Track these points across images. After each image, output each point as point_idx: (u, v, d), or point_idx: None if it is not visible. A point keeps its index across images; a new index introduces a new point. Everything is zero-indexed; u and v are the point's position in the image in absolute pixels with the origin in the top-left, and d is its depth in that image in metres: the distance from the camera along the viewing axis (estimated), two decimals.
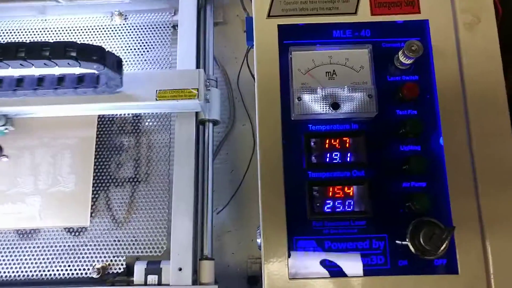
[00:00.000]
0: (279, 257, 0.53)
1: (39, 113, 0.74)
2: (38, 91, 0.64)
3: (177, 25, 0.82)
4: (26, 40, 0.83)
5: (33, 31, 0.85)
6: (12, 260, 0.72)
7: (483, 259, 0.52)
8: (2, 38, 0.85)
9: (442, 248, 0.49)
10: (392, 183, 0.55)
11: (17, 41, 0.84)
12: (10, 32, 0.86)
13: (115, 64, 0.62)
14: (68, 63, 0.57)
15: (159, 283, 0.68)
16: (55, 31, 0.85)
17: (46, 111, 0.73)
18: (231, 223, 0.83)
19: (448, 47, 0.58)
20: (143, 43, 0.83)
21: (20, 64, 0.57)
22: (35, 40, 0.84)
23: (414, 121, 0.56)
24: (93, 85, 0.64)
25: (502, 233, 0.53)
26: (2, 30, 0.86)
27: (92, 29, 0.85)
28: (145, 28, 0.84)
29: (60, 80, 0.64)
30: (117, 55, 0.81)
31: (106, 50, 0.60)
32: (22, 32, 0.85)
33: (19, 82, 0.65)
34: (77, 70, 0.62)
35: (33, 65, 0.58)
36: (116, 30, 0.84)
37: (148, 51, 0.83)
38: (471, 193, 0.54)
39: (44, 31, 0.85)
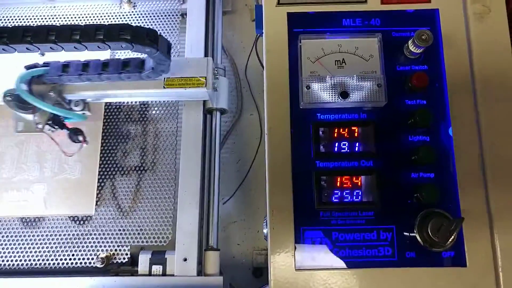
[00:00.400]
0: (285, 248, 0.53)
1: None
2: (83, 76, 0.65)
3: (185, 14, 0.82)
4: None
5: (42, 18, 0.85)
6: (16, 248, 0.71)
7: (492, 252, 0.52)
8: (10, 25, 0.85)
9: (450, 240, 0.48)
10: (400, 173, 0.55)
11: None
12: (20, 19, 0.86)
13: (166, 48, 0.61)
14: (122, 46, 0.57)
15: (164, 274, 0.68)
16: (64, 18, 0.85)
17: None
18: (237, 214, 0.83)
19: (458, 37, 0.58)
20: None
21: (74, 47, 0.57)
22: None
23: (423, 111, 0.55)
24: (138, 70, 0.64)
25: (510, 225, 0.52)
26: (11, 16, 0.86)
27: (101, 16, 0.84)
28: (154, 16, 0.84)
29: (105, 65, 0.64)
30: None
31: (159, 33, 0.59)
32: (31, 18, 0.85)
33: (84, 66, 0.65)
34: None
35: (86, 48, 0.57)
36: (124, 18, 0.84)
37: None
38: (480, 184, 0.54)
39: (53, 18, 0.85)
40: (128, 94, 0.72)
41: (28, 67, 0.66)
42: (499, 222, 0.52)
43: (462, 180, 0.54)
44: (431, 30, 0.57)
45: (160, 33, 0.81)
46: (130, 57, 0.65)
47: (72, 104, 0.71)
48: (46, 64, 0.66)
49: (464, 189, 0.54)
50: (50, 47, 0.57)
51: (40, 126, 0.69)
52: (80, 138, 0.72)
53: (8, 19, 0.86)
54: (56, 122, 0.69)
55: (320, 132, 0.56)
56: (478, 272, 0.51)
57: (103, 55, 0.65)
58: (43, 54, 0.63)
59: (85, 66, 0.65)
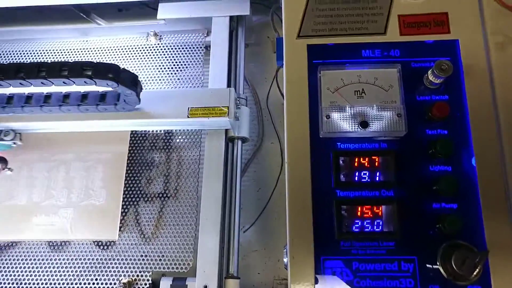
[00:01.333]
0: (306, 277, 0.53)
1: (68, 128, 0.78)
2: (62, 107, 0.69)
3: (209, 46, 0.85)
4: (69, 60, 0.89)
5: (75, 51, 0.90)
6: (43, 271, 0.73)
7: None
8: (46, 58, 0.90)
9: (475, 273, 0.47)
10: (421, 203, 0.54)
11: (60, 60, 0.89)
12: (54, 52, 0.91)
13: (130, 80, 0.64)
14: (85, 82, 0.61)
15: None
16: (96, 51, 0.90)
17: (75, 127, 0.77)
18: (257, 242, 0.83)
19: (479, 67, 0.58)
20: (176, 62, 0.87)
21: (41, 83, 0.61)
22: (78, 60, 0.89)
23: (444, 141, 0.55)
24: (114, 102, 0.67)
25: None
26: (46, 50, 0.91)
27: (129, 48, 0.89)
28: (179, 48, 0.88)
29: (84, 97, 0.68)
30: (151, 73, 0.86)
31: (121, 68, 0.63)
32: (65, 52, 0.91)
33: (47, 98, 0.69)
34: (101, 89, 0.66)
35: (53, 83, 0.62)
36: (151, 50, 0.88)
37: (181, 70, 0.86)
38: (505, 215, 0.52)
39: (85, 51, 0.90)
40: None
41: None
42: None
43: (487, 211, 0.53)
44: (451, 60, 0.57)
45: (185, 64, 0.86)
46: (107, 90, 0.68)
47: (2, 134, 0.75)
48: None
49: (489, 220, 0.52)
50: (20, 83, 0.62)
51: None
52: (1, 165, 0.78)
53: (43, 53, 0.91)
54: None
55: (341, 161, 0.56)
56: None
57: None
58: None
59: (65, 97, 0.68)
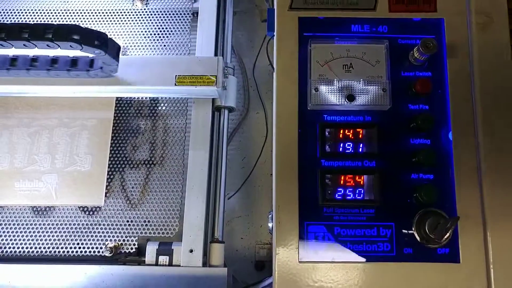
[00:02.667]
0: (290, 241, 0.56)
1: (36, 93, 0.76)
2: (31, 71, 0.67)
3: (197, 12, 0.83)
4: (47, 21, 0.86)
5: (54, 12, 0.87)
6: (27, 236, 0.73)
7: (484, 249, 0.55)
8: (25, 18, 0.87)
9: (445, 237, 0.51)
10: (401, 174, 0.58)
11: (39, 21, 0.86)
12: (32, 12, 0.87)
13: (115, 51, 0.63)
14: (71, 46, 0.59)
15: (170, 264, 0.70)
16: (76, 13, 0.86)
17: (60, 92, 0.75)
18: (241, 209, 0.86)
19: (461, 46, 0.60)
20: (163, 28, 0.85)
21: (24, 45, 0.59)
22: (57, 22, 0.85)
23: (425, 116, 0.58)
24: (86, 68, 0.66)
25: (502, 225, 0.55)
26: (25, 10, 0.87)
27: (113, 12, 0.86)
28: (166, 14, 0.86)
29: (53, 61, 0.66)
30: (136, 39, 0.84)
31: (108, 36, 0.62)
32: (43, 12, 0.87)
33: (13, 61, 0.67)
34: (71, 53, 0.64)
35: (36, 46, 0.59)
36: (136, 14, 0.86)
37: (167, 36, 0.84)
38: (475, 186, 0.57)
39: (65, 13, 0.86)
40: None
41: None
42: (491, 222, 0.55)
43: (459, 182, 0.57)
44: (436, 38, 0.59)
45: (172, 31, 0.85)
46: (79, 55, 0.67)
47: None
48: None
49: (460, 190, 0.57)
50: (0, 44, 0.59)
51: None
52: None
53: (19, 12, 0.87)
54: None
55: (327, 133, 0.58)
56: (471, 268, 0.54)
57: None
58: None
59: (33, 60, 0.66)
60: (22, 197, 0.75)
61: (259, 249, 0.83)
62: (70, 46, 0.59)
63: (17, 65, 0.66)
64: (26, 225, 0.74)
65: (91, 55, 0.64)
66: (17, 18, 0.87)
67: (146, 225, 0.74)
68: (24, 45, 0.59)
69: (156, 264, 0.70)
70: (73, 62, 0.66)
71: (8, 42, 0.59)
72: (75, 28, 0.58)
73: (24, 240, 0.73)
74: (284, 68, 0.60)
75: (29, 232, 0.74)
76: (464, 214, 0.56)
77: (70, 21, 0.86)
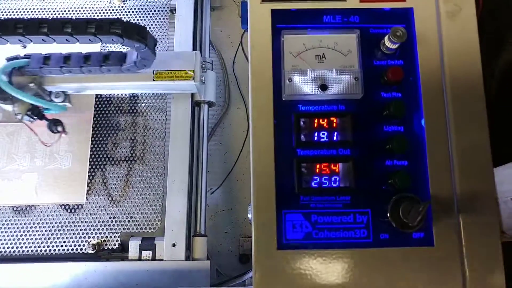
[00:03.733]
0: (268, 229, 0.57)
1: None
2: (63, 68, 0.67)
3: (174, 9, 0.84)
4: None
5: (31, 11, 0.87)
6: (8, 236, 0.74)
7: (456, 232, 0.56)
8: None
9: (418, 220, 0.52)
10: (375, 161, 0.59)
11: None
12: (8, 12, 0.87)
13: (153, 45, 0.63)
14: (113, 40, 0.58)
15: (153, 259, 0.70)
16: (53, 11, 0.86)
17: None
18: (224, 203, 0.86)
19: (431, 34, 0.62)
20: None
21: (66, 40, 0.59)
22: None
23: (397, 103, 0.59)
24: (119, 63, 0.66)
25: (473, 208, 0.56)
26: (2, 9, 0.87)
27: (91, 10, 0.86)
28: (143, 11, 0.87)
29: (86, 58, 0.66)
30: None
31: (148, 30, 0.61)
32: (20, 12, 0.87)
33: (46, 60, 0.67)
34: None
35: (78, 40, 0.59)
36: (114, 12, 0.86)
37: None
38: (447, 172, 0.58)
39: (42, 11, 0.86)
40: (111, 86, 0.74)
41: (9, 59, 0.68)
42: (463, 206, 0.57)
43: (432, 168, 0.58)
44: (406, 27, 0.60)
45: (150, 28, 0.85)
46: (111, 51, 0.67)
47: (53, 96, 0.73)
48: (27, 56, 0.68)
49: (433, 175, 0.58)
50: (42, 39, 0.59)
51: (19, 116, 0.70)
52: (59, 128, 0.75)
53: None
54: (36, 113, 0.72)
55: (301, 123, 0.59)
56: (444, 251, 0.56)
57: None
58: (25, 46, 0.64)
59: (66, 58, 0.66)
60: (1, 197, 0.75)
61: (243, 242, 0.84)
62: (112, 39, 0.59)
63: (50, 64, 0.66)
64: (6, 225, 0.74)
65: (129, 49, 0.63)
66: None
67: (129, 221, 0.75)
68: (66, 40, 0.59)
69: (139, 259, 0.71)
70: (106, 58, 0.66)
71: (50, 37, 0.58)
72: (117, 22, 0.58)
73: (5, 240, 0.73)
74: (258, 60, 0.60)
75: (10, 232, 0.74)
76: (437, 198, 0.57)
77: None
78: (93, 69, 0.66)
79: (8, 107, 0.70)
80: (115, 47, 0.81)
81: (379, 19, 0.62)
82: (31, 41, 0.59)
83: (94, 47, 0.74)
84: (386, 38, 0.59)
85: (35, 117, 0.72)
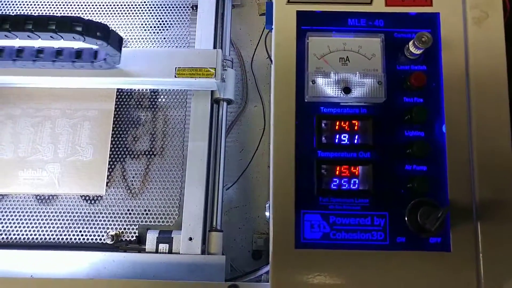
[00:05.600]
0: (286, 228, 0.57)
1: (41, 84, 0.77)
2: (36, 62, 0.68)
3: (196, 6, 0.85)
4: (44, 13, 0.86)
5: (55, 5, 0.87)
6: (31, 223, 0.75)
7: (474, 238, 0.57)
8: (27, 11, 0.87)
9: (436, 226, 0.53)
10: (395, 165, 0.59)
11: (36, 13, 0.87)
12: (33, 5, 0.87)
13: (117, 42, 0.65)
14: (74, 37, 0.60)
15: (170, 252, 0.71)
16: (77, 5, 0.87)
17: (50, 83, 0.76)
18: (238, 200, 0.87)
19: (456, 40, 0.61)
20: (162, 21, 0.86)
21: (28, 36, 0.60)
22: (55, 14, 0.86)
23: (419, 109, 0.59)
24: (91, 59, 0.67)
25: (491, 216, 0.57)
26: (26, 2, 0.88)
27: (113, 5, 0.87)
28: (165, 7, 0.87)
29: (58, 53, 0.67)
30: (136, 32, 0.85)
31: (110, 28, 0.63)
32: (43, 5, 0.87)
33: (19, 52, 0.68)
34: (75, 45, 0.65)
35: (39, 37, 0.60)
36: (136, 8, 0.87)
37: (167, 29, 0.85)
38: (467, 178, 0.58)
39: (65, 5, 0.87)
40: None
41: None
42: (482, 213, 0.57)
43: (452, 174, 0.58)
44: (431, 32, 0.60)
45: (171, 24, 0.86)
46: (83, 47, 0.68)
47: None
48: None
49: (453, 181, 0.58)
50: (5, 35, 0.60)
51: None
52: None
53: (21, 4, 0.87)
54: None
55: (323, 124, 0.59)
56: (461, 257, 0.56)
57: None
58: None
59: (39, 52, 0.67)
60: (26, 186, 0.77)
61: (256, 238, 0.84)
62: (73, 37, 0.60)
63: (23, 56, 0.67)
64: (30, 212, 0.76)
65: (94, 47, 0.65)
66: (19, 10, 0.88)
67: (147, 214, 0.76)
68: (28, 36, 0.60)
69: (156, 251, 0.72)
70: (78, 54, 0.67)
71: (12, 33, 0.60)
72: (77, 20, 0.59)
73: (28, 227, 0.75)
74: (282, 61, 0.61)
75: (33, 219, 0.75)
76: (456, 204, 0.57)
77: (70, 13, 0.86)
78: (66, 64, 0.68)
79: None
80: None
81: (404, 23, 0.62)
82: None
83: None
84: (410, 43, 0.60)
85: None
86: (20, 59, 0.68)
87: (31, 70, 0.71)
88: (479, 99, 0.60)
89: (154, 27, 0.86)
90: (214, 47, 0.82)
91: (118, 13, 0.87)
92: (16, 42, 0.64)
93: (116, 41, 0.64)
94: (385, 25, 0.62)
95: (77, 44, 0.64)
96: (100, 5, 0.87)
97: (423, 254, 0.57)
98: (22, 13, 0.86)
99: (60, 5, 0.88)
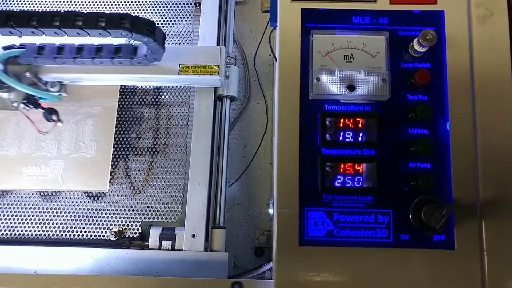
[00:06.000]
0: (290, 225, 0.58)
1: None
2: (77, 59, 0.68)
3: (199, 3, 0.84)
4: (49, 8, 0.86)
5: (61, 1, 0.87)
6: (35, 219, 0.75)
7: (478, 236, 0.57)
8: (23, 6, 0.87)
9: (441, 224, 0.53)
10: (399, 163, 0.59)
11: (42, 9, 0.87)
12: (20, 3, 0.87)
13: (162, 39, 0.65)
14: (122, 34, 0.60)
15: (173, 248, 0.71)
16: (79, 1, 0.87)
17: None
18: (241, 196, 0.87)
19: (461, 38, 0.61)
20: (166, 18, 0.86)
21: (77, 33, 0.60)
22: (59, 9, 0.86)
23: (423, 107, 0.59)
24: (130, 56, 0.67)
25: (496, 213, 0.57)
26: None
27: (116, 2, 0.86)
28: (169, 4, 0.87)
29: (98, 50, 0.67)
30: None
31: (156, 24, 0.63)
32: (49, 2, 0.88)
33: (60, 50, 0.68)
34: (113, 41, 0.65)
35: (88, 34, 0.60)
36: (140, 3, 0.86)
37: (170, 26, 0.85)
38: (471, 176, 0.58)
39: (65, 1, 0.87)
40: (116, 79, 0.75)
41: (5, 48, 0.69)
42: (486, 210, 0.57)
43: (456, 171, 0.58)
44: (435, 30, 0.60)
45: (175, 21, 0.86)
46: (122, 43, 0.68)
47: (49, 85, 0.74)
48: (22, 46, 0.69)
49: (457, 179, 0.58)
50: (54, 32, 0.60)
51: (15, 104, 0.72)
52: (54, 117, 0.75)
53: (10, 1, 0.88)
54: (31, 101, 0.73)
55: (327, 122, 0.60)
56: (465, 255, 0.56)
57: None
58: (20, 36, 0.64)
59: (79, 49, 0.68)
60: (29, 182, 0.77)
61: (259, 235, 0.84)
62: (121, 34, 0.60)
63: (64, 54, 0.68)
64: (34, 209, 0.76)
65: (138, 43, 0.65)
66: (25, 6, 0.87)
67: (150, 210, 0.76)
68: (77, 33, 0.60)
69: (159, 248, 0.72)
70: (117, 50, 0.67)
71: (62, 30, 0.60)
72: (126, 16, 0.59)
73: (32, 223, 0.75)
74: (287, 59, 0.61)
75: (37, 215, 0.75)
76: (460, 202, 0.57)
77: (74, 9, 0.86)
78: (105, 61, 0.68)
79: (5, 95, 0.71)
80: None
81: (409, 21, 0.62)
82: (43, 33, 0.61)
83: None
84: (415, 41, 0.59)
85: (30, 106, 0.73)
86: (61, 57, 0.68)
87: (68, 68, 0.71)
88: (483, 97, 0.60)
89: (158, 23, 0.84)
90: (218, 44, 0.82)
91: (121, 9, 0.86)
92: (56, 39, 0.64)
93: (161, 38, 0.64)
94: (390, 23, 0.62)
95: (117, 40, 0.63)
96: (103, 1, 0.87)
97: (427, 252, 0.57)
98: (26, 8, 0.86)
99: (60, 0, 0.87)
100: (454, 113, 0.60)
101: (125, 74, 0.73)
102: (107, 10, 0.86)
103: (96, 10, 0.86)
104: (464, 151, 0.59)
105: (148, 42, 0.62)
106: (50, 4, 0.88)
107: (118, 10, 0.86)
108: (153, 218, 0.75)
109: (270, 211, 0.60)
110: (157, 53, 0.66)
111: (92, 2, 0.87)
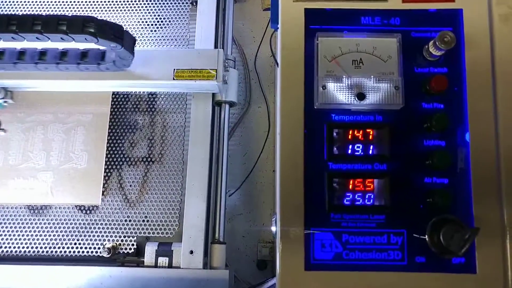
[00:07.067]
0: (295, 248, 0.54)
1: (41, 87, 0.74)
2: (39, 65, 0.64)
3: (196, 1, 0.80)
4: (37, 10, 0.82)
5: (47, 2, 0.83)
6: (23, 235, 0.72)
7: (502, 259, 0.52)
8: (13, 9, 0.83)
9: (464, 249, 0.48)
10: (413, 178, 0.55)
11: (25, 10, 0.82)
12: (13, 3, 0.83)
13: (131, 44, 0.61)
14: (86, 39, 0.56)
15: (170, 266, 0.68)
16: (70, 2, 0.83)
17: (51, 86, 0.73)
18: (242, 206, 0.84)
19: (481, 39, 0.57)
20: (160, 18, 0.81)
21: (36, 38, 0.56)
22: (46, 10, 0.82)
23: (440, 116, 0.55)
24: (97, 61, 0.63)
25: None
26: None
27: (109, 1, 0.82)
28: (163, 3, 0.82)
29: (63, 54, 0.63)
30: (133, 29, 0.81)
31: (124, 28, 0.59)
32: (37, 3, 0.83)
33: (21, 55, 0.64)
34: (81, 46, 0.61)
35: (49, 39, 0.57)
36: (133, 3, 0.82)
37: (165, 27, 0.81)
38: (494, 193, 0.54)
39: (58, 3, 0.83)
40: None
41: None
42: (511, 231, 0.53)
43: (477, 188, 0.54)
44: (453, 31, 0.56)
45: (170, 20, 0.81)
46: (89, 48, 0.64)
47: None
48: None
49: (478, 196, 0.54)
50: (11, 37, 0.56)
51: None
52: None
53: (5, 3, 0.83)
54: None
55: (334, 134, 0.55)
56: (487, 280, 0.52)
57: None
58: None
59: (42, 54, 0.64)
60: (17, 195, 0.74)
61: (261, 247, 0.81)
62: (85, 39, 0.56)
63: (25, 59, 0.64)
64: (22, 224, 0.73)
65: (105, 48, 0.61)
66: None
67: (145, 224, 0.73)
68: (37, 38, 0.56)
69: (156, 265, 0.69)
70: (83, 55, 0.64)
71: (19, 35, 0.56)
72: (90, 20, 0.55)
73: (20, 239, 0.72)
74: (289, 64, 0.57)
75: (26, 231, 0.73)
76: (482, 222, 0.53)
77: (60, 9, 0.82)
78: (70, 66, 0.64)
79: None
80: None
81: (423, 21, 0.57)
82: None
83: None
84: (431, 43, 0.55)
85: None
86: (22, 62, 0.64)
87: (32, 73, 0.67)
88: (507, 104, 0.55)
89: (152, 24, 0.81)
90: (215, 45, 0.77)
91: (114, 9, 0.82)
92: (18, 44, 0.60)
93: (130, 43, 0.61)
94: (402, 23, 0.58)
95: (84, 45, 0.60)
96: (95, 1, 0.82)
97: (445, 276, 0.53)
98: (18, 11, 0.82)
99: (52, 2, 0.83)
100: (474, 122, 0.55)
101: (115, 80, 0.68)
102: (96, 10, 0.82)
103: (84, 12, 0.82)
104: (486, 164, 0.55)
105: (115, 48, 0.58)
106: (39, 6, 0.83)
107: (106, 11, 0.82)
108: (149, 232, 0.72)
109: (273, 229, 0.56)
110: (127, 59, 0.63)
111: (79, 2, 0.82)
